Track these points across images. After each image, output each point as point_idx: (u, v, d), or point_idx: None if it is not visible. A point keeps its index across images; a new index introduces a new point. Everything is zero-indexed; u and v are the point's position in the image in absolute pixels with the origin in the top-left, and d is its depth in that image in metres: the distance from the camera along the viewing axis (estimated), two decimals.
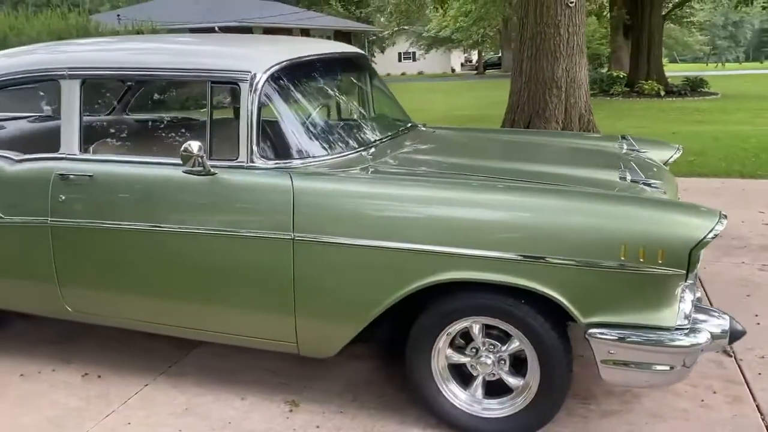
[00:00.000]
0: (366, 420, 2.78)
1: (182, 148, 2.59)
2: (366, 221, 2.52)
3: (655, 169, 3.19)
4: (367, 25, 41.13)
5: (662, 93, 19.04)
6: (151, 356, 3.35)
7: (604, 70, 24.18)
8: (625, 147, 3.58)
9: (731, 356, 3.21)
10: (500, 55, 48.50)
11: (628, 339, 2.29)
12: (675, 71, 28.79)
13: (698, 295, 2.59)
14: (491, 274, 2.38)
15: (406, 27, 45.48)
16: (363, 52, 3.94)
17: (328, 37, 26.48)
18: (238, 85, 2.73)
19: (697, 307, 2.43)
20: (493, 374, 2.61)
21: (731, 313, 2.51)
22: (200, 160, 2.60)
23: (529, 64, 8.95)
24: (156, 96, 4.63)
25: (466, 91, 27.27)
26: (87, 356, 3.39)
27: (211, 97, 2.78)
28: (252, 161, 2.68)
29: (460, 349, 2.64)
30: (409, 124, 3.68)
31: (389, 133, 3.37)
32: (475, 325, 2.56)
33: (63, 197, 2.91)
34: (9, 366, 3.32)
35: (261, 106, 2.71)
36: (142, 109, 4.33)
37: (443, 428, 2.67)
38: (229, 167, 2.70)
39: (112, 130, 3.59)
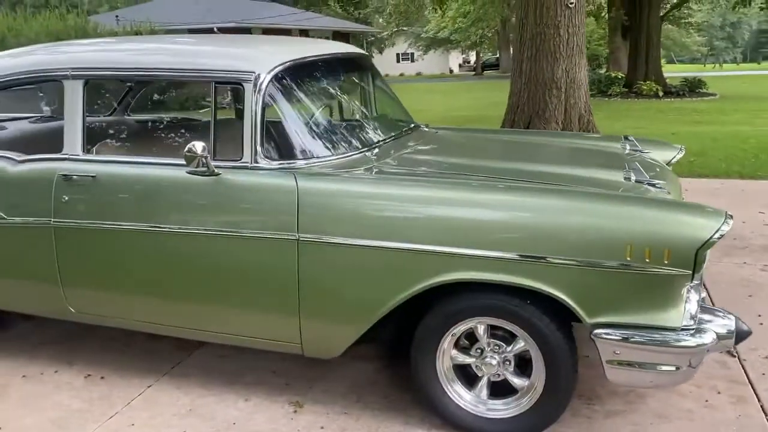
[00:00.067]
0: (370, 421, 2.77)
1: (186, 149, 2.58)
2: (370, 222, 2.52)
3: (658, 170, 3.19)
4: (365, 26, 41.13)
5: (660, 94, 19.07)
6: (154, 357, 3.35)
7: (603, 71, 24.21)
8: (627, 147, 3.58)
9: (734, 356, 3.21)
10: (498, 56, 48.60)
11: (634, 339, 2.29)
12: (673, 72, 28.84)
13: (703, 295, 2.59)
14: (498, 275, 2.37)
15: (404, 28, 45.48)
16: (365, 52, 3.93)
17: (327, 38, 26.47)
18: (242, 85, 2.72)
19: (703, 307, 2.43)
20: (498, 375, 2.61)
21: (734, 313, 2.51)
22: (204, 160, 2.60)
23: (528, 65, 8.95)
24: (156, 96, 4.63)
25: (465, 91, 27.29)
26: (90, 357, 3.38)
27: (215, 97, 2.77)
28: (256, 162, 2.68)
29: (465, 350, 2.64)
30: (412, 125, 3.68)
31: (392, 134, 3.36)
32: (480, 325, 2.55)
33: (66, 198, 2.90)
34: (11, 367, 3.31)
35: (265, 107, 2.70)
36: (143, 109, 4.32)
37: (448, 429, 2.67)
38: (233, 168, 2.69)
39: (115, 131, 3.59)
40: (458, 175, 2.83)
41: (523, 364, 2.58)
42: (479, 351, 2.60)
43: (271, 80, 2.74)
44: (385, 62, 46.43)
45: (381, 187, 2.68)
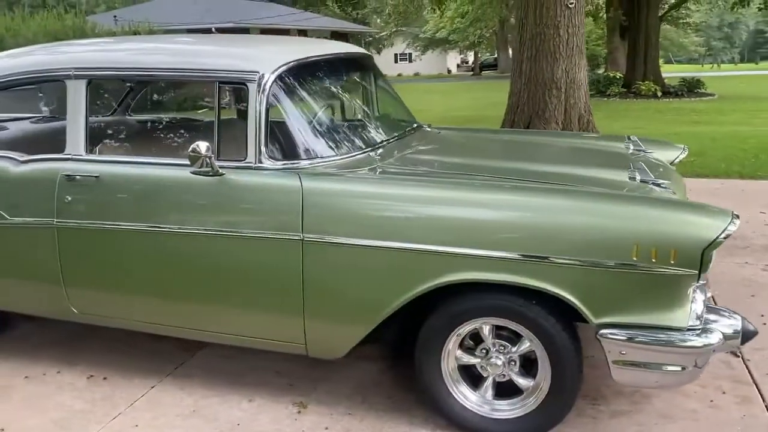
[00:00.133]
0: (374, 421, 2.77)
1: (190, 149, 2.58)
2: (374, 222, 2.51)
3: (662, 170, 3.18)
4: (363, 26, 41.11)
5: (659, 94, 19.10)
6: (157, 358, 3.33)
7: (601, 71, 24.22)
8: (631, 147, 3.58)
9: (738, 356, 3.21)
10: (496, 56, 48.62)
11: (640, 339, 2.29)
12: (671, 72, 28.87)
13: (709, 295, 2.59)
14: (502, 275, 2.37)
15: (403, 28, 45.46)
16: (368, 52, 3.93)
17: (326, 38, 26.47)
18: (245, 85, 2.71)
19: (709, 307, 2.43)
20: (504, 375, 2.60)
21: (740, 313, 2.50)
22: (208, 160, 2.59)
23: (528, 65, 8.96)
24: (157, 96, 4.61)
25: (464, 92, 27.31)
26: (92, 358, 3.37)
27: (219, 97, 2.77)
28: (260, 162, 2.67)
29: (470, 350, 2.63)
30: (415, 125, 3.67)
31: (396, 134, 3.36)
32: (485, 326, 2.55)
33: (69, 198, 2.89)
34: (14, 368, 3.30)
35: (269, 107, 2.69)
36: (142, 110, 4.31)
37: (452, 430, 2.66)
38: (237, 168, 2.68)
39: (118, 131, 3.58)
40: (462, 175, 2.83)
41: (528, 365, 2.57)
42: (484, 351, 2.60)
43: (275, 80, 2.74)
44: (382, 62, 46.12)
45: (385, 187, 2.68)
